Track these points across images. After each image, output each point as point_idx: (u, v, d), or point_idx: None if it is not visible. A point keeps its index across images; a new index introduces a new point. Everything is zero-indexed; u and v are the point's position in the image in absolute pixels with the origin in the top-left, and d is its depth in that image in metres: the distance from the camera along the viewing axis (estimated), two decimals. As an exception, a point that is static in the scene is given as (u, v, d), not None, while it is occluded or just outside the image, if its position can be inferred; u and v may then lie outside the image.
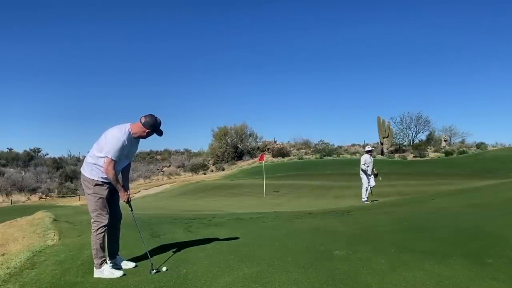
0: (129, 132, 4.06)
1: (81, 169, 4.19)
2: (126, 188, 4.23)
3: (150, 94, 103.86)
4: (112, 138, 3.97)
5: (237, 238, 5.61)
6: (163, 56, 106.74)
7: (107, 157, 3.93)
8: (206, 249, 4.95)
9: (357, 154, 50.34)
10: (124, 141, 3.99)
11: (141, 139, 4.25)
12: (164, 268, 4.11)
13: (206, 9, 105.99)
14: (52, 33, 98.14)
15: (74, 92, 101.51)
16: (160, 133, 4.19)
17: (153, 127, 4.10)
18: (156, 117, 4.12)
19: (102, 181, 4.06)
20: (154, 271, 4.04)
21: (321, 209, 10.57)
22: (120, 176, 4.26)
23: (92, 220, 4.11)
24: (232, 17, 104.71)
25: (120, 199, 4.22)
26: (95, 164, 4.03)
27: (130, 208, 4.27)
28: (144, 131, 4.09)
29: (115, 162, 3.98)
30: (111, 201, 4.18)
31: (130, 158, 4.33)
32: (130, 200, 4.22)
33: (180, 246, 5.13)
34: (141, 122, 4.08)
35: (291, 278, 3.77)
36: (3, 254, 5.16)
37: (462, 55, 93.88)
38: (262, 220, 7.75)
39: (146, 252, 4.37)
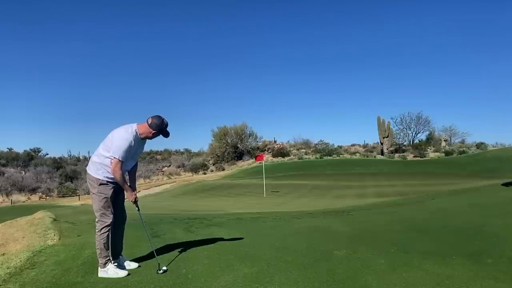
0: (136, 133, 4.06)
1: (87, 168, 4.19)
2: (133, 188, 4.25)
3: (150, 94, 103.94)
4: (120, 139, 3.96)
5: (237, 238, 5.61)
6: (163, 56, 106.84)
7: (114, 157, 3.93)
8: (206, 249, 4.95)
9: (357, 154, 50.38)
10: (131, 141, 3.99)
11: (148, 140, 4.26)
12: (164, 268, 4.11)
13: (207, 10, 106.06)
14: (53, 33, 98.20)
15: (74, 92, 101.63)
16: (166, 134, 4.19)
17: (160, 128, 4.09)
18: (163, 119, 4.11)
19: (107, 181, 4.06)
20: (161, 271, 4.05)
21: (321, 209, 10.58)
22: (127, 177, 4.27)
23: (96, 220, 4.11)
24: (232, 18, 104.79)
25: (127, 199, 4.24)
26: (101, 164, 4.03)
27: (137, 208, 4.28)
28: (151, 132, 4.08)
29: (122, 163, 3.99)
30: (116, 202, 4.18)
31: (136, 158, 4.34)
32: (137, 200, 4.23)
33: (180, 246, 5.13)
34: (148, 123, 4.07)
35: (291, 278, 3.77)
36: (3, 254, 5.16)
37: (462, 55, 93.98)
38: (262, 220, 7.75)
39: (153, 251, 4.40)
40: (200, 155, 60.01)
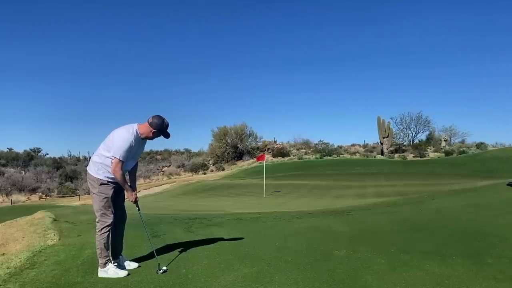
0: (137, 133, 4.06)
1: (87, 168, 4.20)
2: (133, 188, 4.24)
3: (150, 94, 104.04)
4: (120, 139, 3.96)
5: (237, 238, 5.61)
6: (163, 56, 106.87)
7: (115, 157, 3.92)
8: (206, 249, 4.95)
9: (357, 154, 50.38)
10: (132, 141, 3.99)
11: (148, 140, 4.25)
12: (164, 268, 4.11)
13: (207, 10, 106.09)
14: (53, 32, 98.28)
15: (74, 92, 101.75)
16: (167, 135, 4.18)
17: (160, 128, 4.08)
18: (164, 119, 4.11)
19: (107, 181, 4.06)
20: (161, 271, 4.04)
21: (321, 209, 10.57)
22: (127, 176, 4.27)
23: (96, 220, 4.11)
24: (232, 18, 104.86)
25: (127, 198, 4.23)
26: (102, 164, 4.03)
27: (137, 208, 4.28)
28: (151, 131, 4.08)
29: (123, 163, 3.98)
30: (116, 202, 4.18)
31: (136, 158, 4.34)
32: (137, 200, 4.22)
33: (180, 246, 5.13)
34: (148, 122, 4.08)
35: (291, 278, 3.77)
36: (3, 254, 5.16)
37: (462, 55, 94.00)
38: (262, 220, 7.75)
39: (153, 251, 4.39)
40: (200, 155, 60.03)
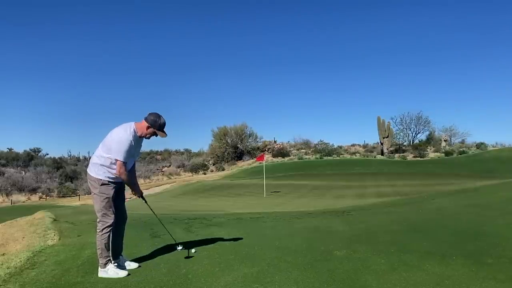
0: (135, 132, 4.08)
1: (87, 169, 4.21)
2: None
3: (151, 94, 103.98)
4: (120, 141, 3.97)
5: (237, 238, 5.61)
6: (163, 56, 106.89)
7: (118, 160, 3.95)
8: (206, 249, 4.95)
9: (357, 154, 50.37)
10: (131, 141, 4.01)
11: (147, 140, 4.27)
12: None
13: (207, 9, 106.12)
14: (53, 32, 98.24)
15: (74, 92, 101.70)
16: (162, 134, 4.17)
17: (154, 124, 4.07)
18: (160, 116, 4.13)
19: (108, 181, 4.07)
20: (181, 247, 4.59)
21: (321, 209, 10.57)
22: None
23: (97, 220, 4.12)
24: (232, 17, 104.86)
25: (135, 194, 4.35)
26: (102, 164, 4.04)
27: (144, 200, 4.49)
28: (147, 127, 4.08)
29: (126, 164, 4.02)
30: (117, 202, 4.19)
31: (136, 157, 4.37)
32: (143, 194, 4.44)
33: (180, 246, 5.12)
34: (144, 118, 4.10)
35: (291, 278, 3.77)
36: (3, 254, 5.17)
37: (462, 54, 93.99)
38: (262, 220, 7.74)
39: (169, 234, 4.82)
40: (200, 155, 60.01)
